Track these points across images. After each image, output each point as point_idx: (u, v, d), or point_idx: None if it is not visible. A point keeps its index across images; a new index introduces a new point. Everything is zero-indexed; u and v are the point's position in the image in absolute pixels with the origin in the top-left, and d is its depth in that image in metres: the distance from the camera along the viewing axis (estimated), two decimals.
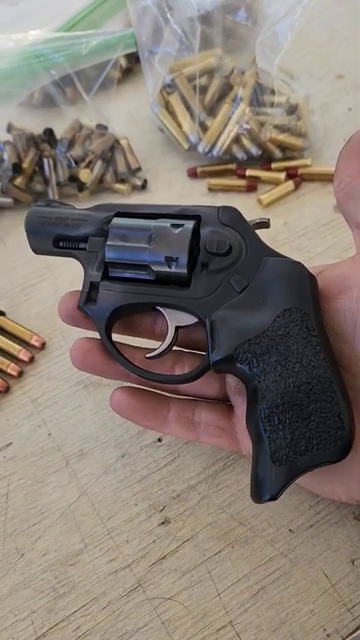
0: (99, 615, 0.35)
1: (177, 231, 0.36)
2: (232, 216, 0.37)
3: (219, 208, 0.37)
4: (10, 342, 0.46)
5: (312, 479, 0.34)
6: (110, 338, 0.37)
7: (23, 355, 0.45)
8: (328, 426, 0.31)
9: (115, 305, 0.37)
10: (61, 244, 0.39)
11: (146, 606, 0.35)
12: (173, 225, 0.36)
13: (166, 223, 0.36)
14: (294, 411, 0.31)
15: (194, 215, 0.37)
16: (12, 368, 0.45)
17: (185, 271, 0.35)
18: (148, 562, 0.36)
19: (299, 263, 0.35)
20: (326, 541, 0.37)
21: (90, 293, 0.38)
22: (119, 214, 0.38)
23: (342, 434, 0.30)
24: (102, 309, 0.37)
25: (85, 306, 0.37)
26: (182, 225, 0.36)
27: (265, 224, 0.38)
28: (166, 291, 0.36)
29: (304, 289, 0.34)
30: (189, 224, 0.36)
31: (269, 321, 0.33)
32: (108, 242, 0.37)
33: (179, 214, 0.37)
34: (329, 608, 0.34)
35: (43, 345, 0.47)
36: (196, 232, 0.36)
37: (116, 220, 0.37)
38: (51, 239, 0.39)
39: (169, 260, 0.35)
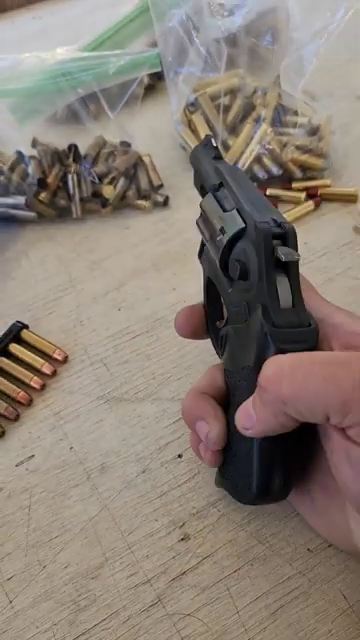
0: (119, 629, 0.35)
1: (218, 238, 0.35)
2: (261, 237, 0.31)
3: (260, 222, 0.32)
4: (33, 355, 0.47)
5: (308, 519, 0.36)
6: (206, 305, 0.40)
7: (46, 369, 0.46)
8: (242, 479, 0.33)
9: (205, 274, 0.39)
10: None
11: (166, 622, 0.36)
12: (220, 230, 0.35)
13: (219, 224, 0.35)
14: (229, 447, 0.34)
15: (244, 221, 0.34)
16: (35, 381, 0.46)
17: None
18: (168, 577, 0.37)
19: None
20: (344, 562, 0.37)
21: (202, 248, 0.40)
22: (218, 186, 0.37)
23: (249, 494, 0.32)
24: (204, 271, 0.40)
25: (199, 259, 0.40)
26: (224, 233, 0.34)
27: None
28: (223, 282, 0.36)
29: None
30: (226, 236, 0.34)
31: (237, 366, 0.34)
32: (197, 219, 0.39)
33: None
34: (347, 629, 0.35)
35: (66, 359, 0.47)
36: (231, 245, 0.34)
37: (205, 200, 0.39)
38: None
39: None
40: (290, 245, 0.32)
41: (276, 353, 0.30)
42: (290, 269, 0.32)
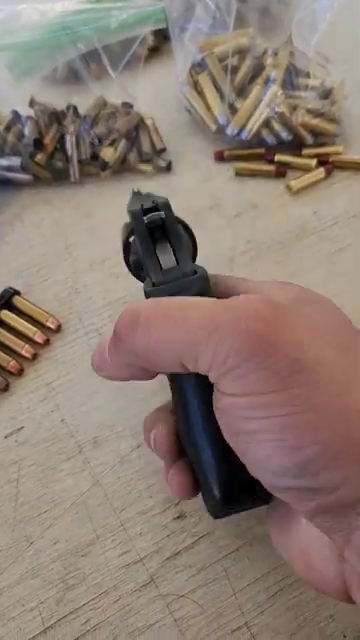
0: (109, 609, 0.34)
1: None
2: (132, 217, 0.33)
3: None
4: (25, 323, 0.44)
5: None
6: None
7: (38, 337, 0.44)
8: (206, 489, 0.29)
9: None
10: None
11: (158, 602, 0.34)
12: None
13: None
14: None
15: None
16: (26, 350, 0.43)
17: None
18: (162, 557, 0.35)
19: None
20: None
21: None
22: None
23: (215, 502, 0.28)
24: None
25: None
26: None
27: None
28: None
29: None
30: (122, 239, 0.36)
31: None
32: None
33: None
34: (350, 614, 0.33)
35: (59, 327, 0.45)
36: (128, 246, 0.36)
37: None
38: None
39: None
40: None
41: None
42: (169, 233, 0.31)
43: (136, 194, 0.41)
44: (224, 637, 0.32)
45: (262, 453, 0.24)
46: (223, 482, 0.28)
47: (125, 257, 0.36)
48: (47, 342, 0.44)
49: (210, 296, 0.28)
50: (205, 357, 0.24)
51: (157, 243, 0.31)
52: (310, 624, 0.33)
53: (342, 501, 0.23)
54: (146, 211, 0.32)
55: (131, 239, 0.35)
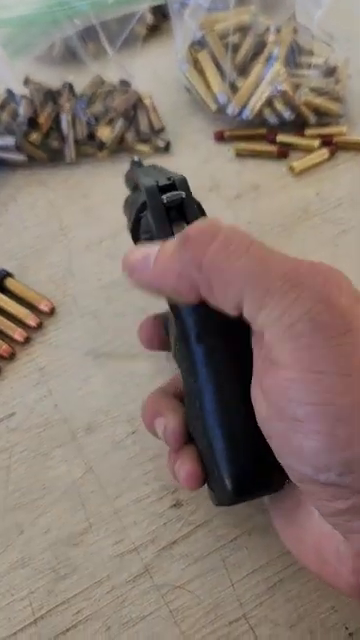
0: (102, 600, 0.32)
1: None
2: (147, 193, 0.31)
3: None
4: (17, 306, 0.43)
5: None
6: None
7: (31, 320, 0.42)
8: (216, 478, 0.27)
9: None
10: None
11: (153, 593, 0.32)
12: None
13: None
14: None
15: None
16: (18, 334, 0.42)
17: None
18: (157, 546, 0.34)
19: None
20: None
21: None
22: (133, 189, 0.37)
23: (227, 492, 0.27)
24: None
25: None
26: None
27: None
28: None
29: None
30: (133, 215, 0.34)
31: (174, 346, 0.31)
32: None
33: None
34: (352, 606, 0.32)
35: (52, 311, 0.44)
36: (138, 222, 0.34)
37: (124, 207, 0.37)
38: None
39: None
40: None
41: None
42: (187, 214, 0.29)
43: (136, 164, 0.39)
44: (221, 629, 0.31)
45: (308, 445, 0.22)
46: (236, 474, 0.26)
47: (134, 234, 0.34)
48: (40, 325, 0.43)
49: None
50: (274, 311, 0.22)
51: (173, 224, 0.30)
52: (311, 616, 0.31)
53: None
54: (162, 189, 0.30)
55: (141, 215, 0.33)
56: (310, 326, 0.22)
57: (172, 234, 0.29)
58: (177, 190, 0.30)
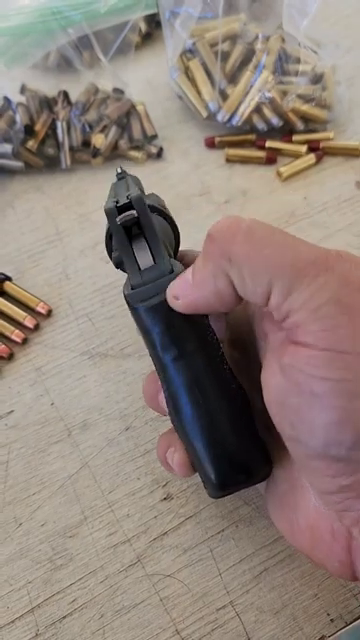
0: (96, 589, 0.34)
1: None
2: (107, 215, 0.31)
3: None
4: (15, 308, 0.45)
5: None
6: None
7: (28, 322, 0.44)
8: (202, 468, 0.29)
9: None
10: None
11: (145, 582, 0.34)
12: None
13: None
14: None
15: None
16: (16, 335, 0.43)
17: None
18: (148, 537, 0.35)
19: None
20: None
21: None
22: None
23: (212, 484, 0.28)
24: None
25: None
26: None
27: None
28: None
29: None
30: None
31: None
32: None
33: None
34: (334, 593, 0.33)
35: (49, 313, 0.45)
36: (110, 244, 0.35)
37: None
38: None
39: None
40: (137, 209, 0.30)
41: (142, 312, 0.28)
42: (145, 230, 0.30)
43: (120, 176, 0.39)
44: (209, 616, 0.33)
45: (324, 418, 0.23)
46: (218, 470, 0.28)
47: (108, 252, 0.35)
48: (37, 327, 0.44)
49: None
50: (302, 294, 0.23)
51: (134, 241, 0.30)
52: (294, 603, 0.33)
53: None
54: (120, 209, 0.30)
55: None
56: (335, 309, 0.23)
57: (132, 251, 0.30)
58: (133, 209, 0.30)
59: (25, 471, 0.38)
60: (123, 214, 0.30)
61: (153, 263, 0.30)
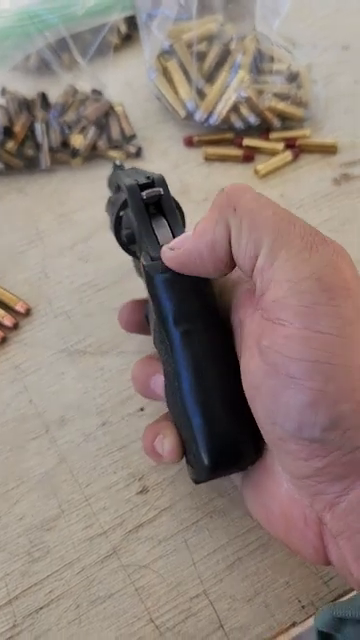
0: (72, 580, 0.35)
1: None
2: (128, 191, 0.33)
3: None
4: None
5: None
6: None
7: (7, 321, 0.45)
8: (193, 450, 0.29)
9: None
10: None
11: (120, 573, 0.35)
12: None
13: None
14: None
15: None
16: None
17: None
18: (124, 530, 0.36)
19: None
20: None
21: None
22: (116, 189, 0.39)
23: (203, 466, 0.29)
24: None
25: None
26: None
27: None
28: None
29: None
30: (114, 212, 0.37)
31: (153, 330, 0.33)
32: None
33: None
34: (305, 580, 0.34)
35: (28, 311, 0.46)
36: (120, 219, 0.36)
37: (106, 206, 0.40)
38: None
39: None
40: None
41: (161, 281, 0.29)
42: (165, 208, 0.32)
43: (119, 167, 0.41)
44: (183, 604, 0.34)
45: (298, 400, 0.24)
46: (212, 450, 0.28)
47: (116, 230, 0.36)
48: (16, 326, 0.45)
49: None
50: (285, 265, 0.25)
51: (152, 219, 0.32)
52: (267, 590, 0.34)
53: (353, 463, 0.24)
54: (142, 186, 0.32)
55: (121, 213, 0.36)
56: (316, 285, 0.24)
57: (151, 227, 0.32)
58: (155, 187, 0.32)
59: (3, 467, 0.39)
60: (149, 190, 0.32)
61: (172, 239, 0.31)
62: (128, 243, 0.35)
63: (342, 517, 0.25)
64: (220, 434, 0.28)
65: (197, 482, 0.31)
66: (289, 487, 0.27)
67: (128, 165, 0.55)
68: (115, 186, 0.39)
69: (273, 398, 0.25)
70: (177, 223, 0.32)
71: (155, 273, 0.29)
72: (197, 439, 0.28)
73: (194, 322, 0.29)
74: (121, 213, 0.36)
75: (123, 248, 0.37)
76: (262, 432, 0.27)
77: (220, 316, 0.30)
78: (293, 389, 0.24)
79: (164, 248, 0.30)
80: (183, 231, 0.32)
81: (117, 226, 0.36)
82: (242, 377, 0.27)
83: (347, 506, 0.25)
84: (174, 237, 0.31)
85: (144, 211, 0.32)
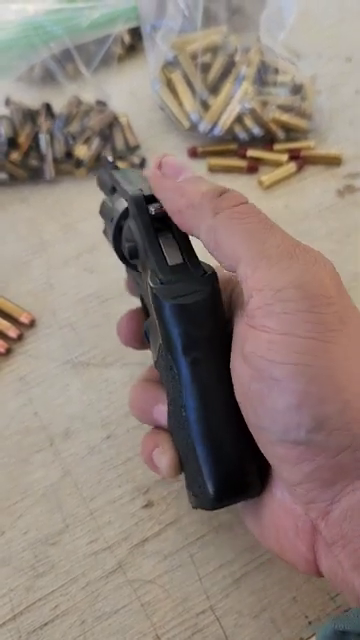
0: (78, 595, 0.34)
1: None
2: (133, 203, 0.31)
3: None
4: None
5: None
6: None
7: (12, 332, 0.45)
8: (196, 480, 0.29)
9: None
10: None
11: (126, 588, 0.34)
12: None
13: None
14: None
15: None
16: (0, 345, 0.44)
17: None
18: (130, 544, 0.36)
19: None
20: None
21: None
22: (112, 190, 0.36)
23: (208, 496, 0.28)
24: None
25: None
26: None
27: None
28: None
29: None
30: (114, 221, 0.34)
31: (155, 351, 0.31)
32: (103, 230, 0.38)
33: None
34: (312, 596, 0.34)
35: (32, 323, 0.46)
36: (120, 229, 0.33)
37: (101, 206, 0.37)
38: None
39: None
40: None
41: (171, 309, 0.27)
42: (174, 226, 0.30)
43: (110, 165, 0.37)
44: (189, 620, 0.33)
45: (283, 402, 0.24)
46: (218, 481, 0.27)
47: (115, 241, 0.34)
48: (21, 337, 0.45)
49: (221, 299, 0.29)
50: (267, 274, 0.25)
51: (159, 234, 0.30)
52: (273, 606, 0.34)
53: (340, 466, 0.24)
54: (148, 198, 0.30)
55: (122, 222, 0.33)
56: (298, 293, 0.24)
57: (159, 245, 0.29)
58: None
59: (8, 480, 0.39)
60: (156, 205, 0.30)
61: (182, 260, 0.29)
62: (130, 257, 0.32)
63: (336, 525, 0.25)
64: (226, 466, 0.28)
65: (196, 508, 0.30)
66: (283, 497, 0.27)
67: None
68: (110, 187, 0.36)
69: (260, 402, 0.25)
70: (185, 240, 0.30)
71: (165, 299, 0.27)
72: (203, 470, 0.28)
73: (203, 350, 0.28)
74: (122, 222, 0.33)
75: (121, 259, 0.35)
76: (255, 438, 0.27)
77: (229, 341, 0.29)
78: (277, 392, 0.24)
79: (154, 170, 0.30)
80: (192, 249, 0.30)
81: (117, 236, 0.33)
82: (233, 384, 0.27)
83: (340, 514, 0.25)
84: (182, 256, 0.29)
85: (151, 227, 0.30)
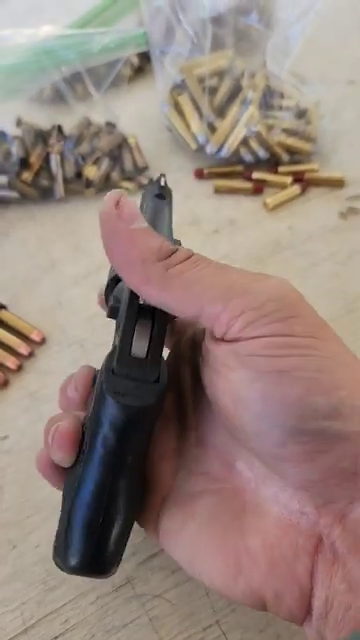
0: (87, 609, 0.35)
1: None
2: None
3: None
4: (10, 336, 0.46)
5: None
6: None
7: (23, 349, 0.46)
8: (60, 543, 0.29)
9: None
10: None
11: (134, 602, 0.35)
12: None
13: None
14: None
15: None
16: (12, 362, 0.45)
17: None
18: (138, 559, 0.37)
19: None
20: None
21: None
22: None
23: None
24: None
25: None
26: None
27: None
28: None
29: None
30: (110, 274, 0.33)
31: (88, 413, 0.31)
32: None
33: None
34: None
35: (43, 340, 0.47)
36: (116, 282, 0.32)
37: None
38: None
39: None
40: None
41: (110, 402, 0.27)
42: (156, 317, 0.29)
43: (158, 187, 0.38)
44: (196, 634, 0.34)
45: (295, 392, 0.23)
46: (80, 554, 0.28)
47: (105, 296, 0.34)
48: (31, 354, 0.46)
49: (159, 410, 0.29)
50: (242, 301, 0.25)
51: (139, 319, 0.29)
52: (279, 621, 0.34)
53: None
54: None
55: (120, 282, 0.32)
56: (279, 304, 0.25)
57: (132, 331, 0.28)
58: None
59: (19, 495, 0.40)
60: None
61: (144, 355, 0.28)
62: (110, 315, 0.32)
63: (357, 526, 0.24)
64: (93, 544, 0.28)
65: (54, 560, 0.30)
66: (282, 512, 0.26)
67: (135, 199, 0.57)
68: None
69: (264, 401, 0.24)
70: (159, 336, 0.28)
71: (109, 392, 0.27)
72: (71, 534, 0.28)
73: (122, 456, 0.28)
74: (120, 278, 0.31)
75: (107, 316, 0.33)
76: (255, 449, 0.26)
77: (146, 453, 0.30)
78: (287, 382, 0.24)
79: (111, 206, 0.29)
80: (161, 347, 0.28)
81: (110, 286, 0.33)
82: (217, 402, 0.27)
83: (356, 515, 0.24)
84: (147, 352, 0.28)
85: (134, 315, 0.28)
